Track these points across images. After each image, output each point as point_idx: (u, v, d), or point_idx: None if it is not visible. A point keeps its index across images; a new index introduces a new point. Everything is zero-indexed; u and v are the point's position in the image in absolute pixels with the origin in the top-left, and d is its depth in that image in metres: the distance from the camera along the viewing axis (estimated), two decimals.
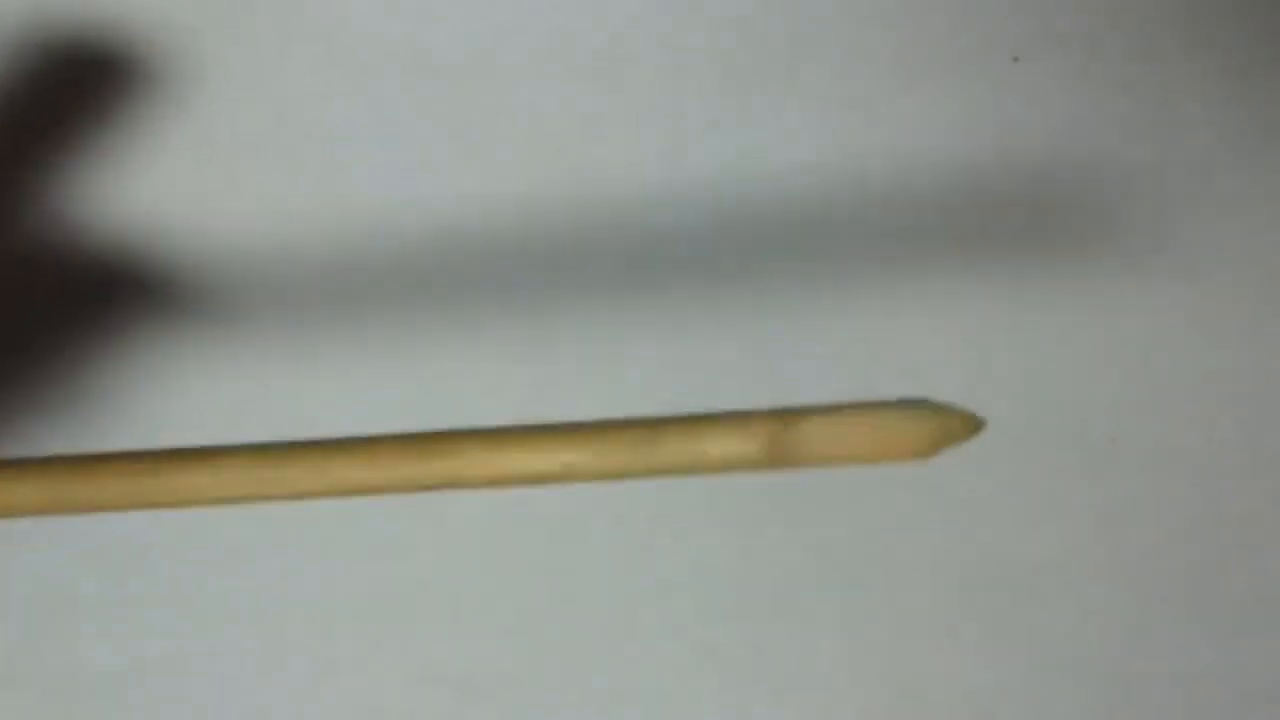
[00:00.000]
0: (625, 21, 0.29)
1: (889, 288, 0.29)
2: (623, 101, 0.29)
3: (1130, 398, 0.29)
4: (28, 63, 0.28)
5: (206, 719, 0.29)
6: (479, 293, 0.29)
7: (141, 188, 0.29)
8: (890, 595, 0.30)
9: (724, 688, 0.30)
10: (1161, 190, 0.29)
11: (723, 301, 0.29)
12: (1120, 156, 0.29)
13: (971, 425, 0.19)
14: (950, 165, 0.29)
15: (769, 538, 0.29)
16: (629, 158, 0.29)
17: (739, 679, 0.30)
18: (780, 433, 0.19)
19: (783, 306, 0.29)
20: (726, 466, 0.19)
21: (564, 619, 0.29)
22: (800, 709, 0.30)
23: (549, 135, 0.29)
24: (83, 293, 0.29)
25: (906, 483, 0.29)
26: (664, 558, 0.29)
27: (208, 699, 0.29)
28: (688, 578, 0.29)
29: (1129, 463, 0.29)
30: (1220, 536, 0.30)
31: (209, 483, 0.19)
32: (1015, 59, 0.29)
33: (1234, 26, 0.29)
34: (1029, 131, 0.29)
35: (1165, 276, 0.29)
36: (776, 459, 0.19)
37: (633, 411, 0.20)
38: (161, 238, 0.29)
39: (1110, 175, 0.29)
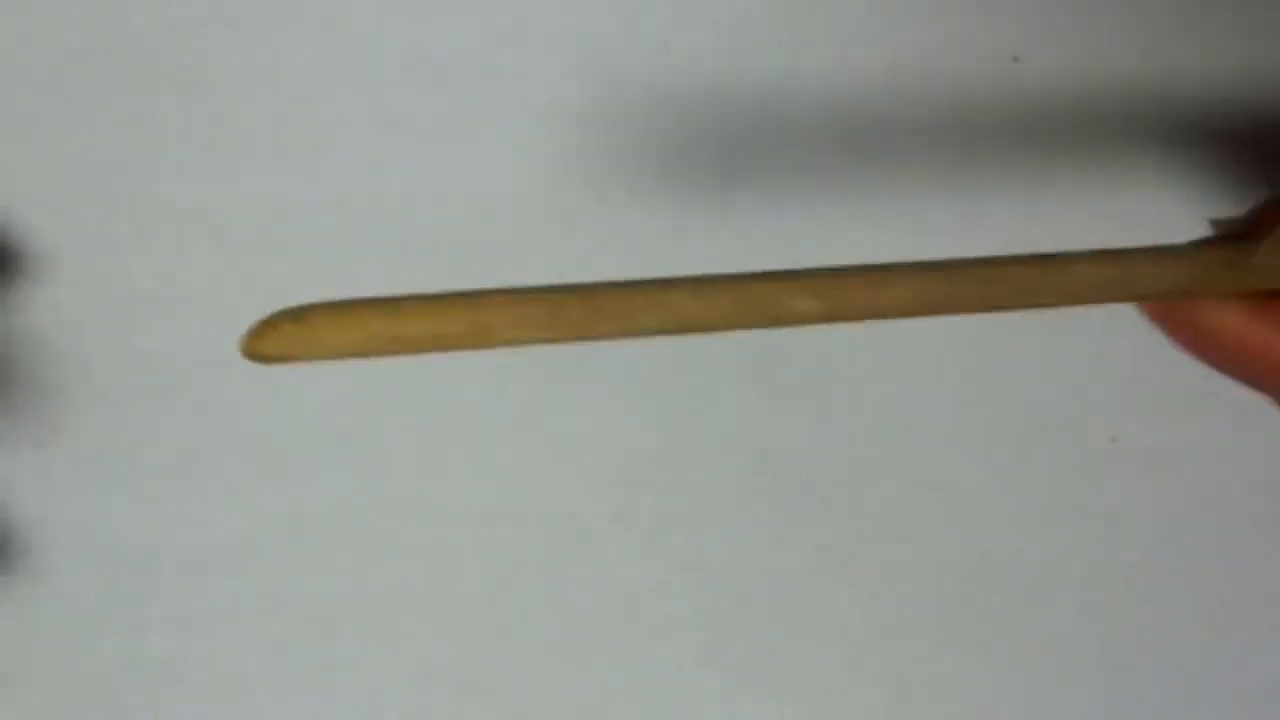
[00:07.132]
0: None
1: None
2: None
3: (1130, 398, 0.29)
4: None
5: (206, 719, 0.29)
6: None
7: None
8: (890, 595, 0.30)
9: (724, 688, 0.30)
10: (1161, 189, 0.29)
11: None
12: (1119, 157, 0.29)
13: None
14: (950, 165, 0.29)
15: (769, 538, 0.29)
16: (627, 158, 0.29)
17: (739, 679, 0.30)
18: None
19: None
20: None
21: (564, 619, 0.29)
22: (800, 709, 0.30)
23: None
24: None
25: (907, 483, 0.29)
26: (664, 558, 0.29)
27: (208, 699, 0.29)
28: (688, 578, 0.29)
29: (1129, 463, 0.29)
30: (1220, 536, 0.30)
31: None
32: (1015, 59, 0.29)
33: (1233, 26, 0.29)
34: (1029, 131, 0.29)
35: None
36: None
37: None
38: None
39: (1109, 175, 0.29)
